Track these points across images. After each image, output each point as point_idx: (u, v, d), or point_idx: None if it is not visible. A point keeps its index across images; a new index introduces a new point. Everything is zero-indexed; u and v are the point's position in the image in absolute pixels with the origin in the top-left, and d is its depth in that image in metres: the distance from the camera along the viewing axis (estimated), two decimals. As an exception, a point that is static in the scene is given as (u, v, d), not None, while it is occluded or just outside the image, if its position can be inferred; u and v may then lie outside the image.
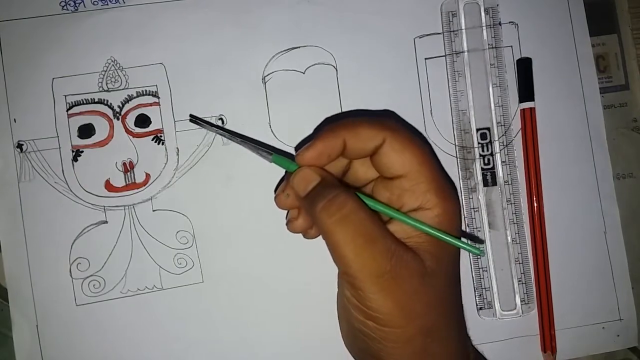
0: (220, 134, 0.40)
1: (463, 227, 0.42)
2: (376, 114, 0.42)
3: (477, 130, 0.42)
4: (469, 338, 0.39)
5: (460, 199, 0.42)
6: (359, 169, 0.35)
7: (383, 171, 0.33)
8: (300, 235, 0.36)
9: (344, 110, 0.42)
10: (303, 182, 0.33)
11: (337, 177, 0.35)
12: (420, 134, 0.42)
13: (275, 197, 0.35)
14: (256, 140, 0.41)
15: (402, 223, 0.32)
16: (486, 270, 0.42)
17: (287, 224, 0.36)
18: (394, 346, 0.31)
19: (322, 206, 0.31)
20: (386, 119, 0.33)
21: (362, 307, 0.31)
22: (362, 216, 0.30)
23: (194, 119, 0.40)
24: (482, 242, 0.42)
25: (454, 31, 0.42)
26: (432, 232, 0.32)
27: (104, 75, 0.40)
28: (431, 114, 0.42)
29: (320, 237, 0.33)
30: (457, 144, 0.42)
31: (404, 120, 0.42)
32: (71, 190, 0.40)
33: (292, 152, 0.41)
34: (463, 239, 0.31)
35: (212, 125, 0.40)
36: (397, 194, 0.33)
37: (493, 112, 0.42)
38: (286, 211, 0.37)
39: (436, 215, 0.32)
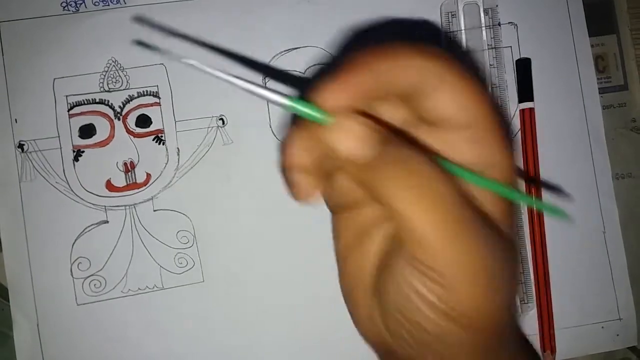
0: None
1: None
2: (408, 22, 0.36)
3: (477, 130, 0.42)
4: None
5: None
6: (380, 107, 0.25)
7: (437, 118, 0.23)
8: (301, 234, 0.36)
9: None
10: (353, 137, 0.22)
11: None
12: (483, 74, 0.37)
13: (284, 152, 0.24)
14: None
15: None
16: (486, 270, 0.42)
17: (291, 190, 0.25)
18: (465, 351, 0.23)
19: (395, 175, 0.21)
20: (434, 47, 0.24)
21: (444, 308, 0.22)
22: (450, 187, 0.22)
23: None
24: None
25: (453, 32, 0.42)
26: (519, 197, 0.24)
27: (105, 75, 0.41)
28: (431, 114, 0.42)
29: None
30: (456, 144, 0.42)
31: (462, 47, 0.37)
32: (72, 190, 0.40)
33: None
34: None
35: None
36: (450, 145, 0.24)
37: (492, 112, 0.42)
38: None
39: (502, 172, 0.24)
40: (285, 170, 0.24)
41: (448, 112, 0.23)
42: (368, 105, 0.24)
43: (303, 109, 0.22)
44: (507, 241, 0.23)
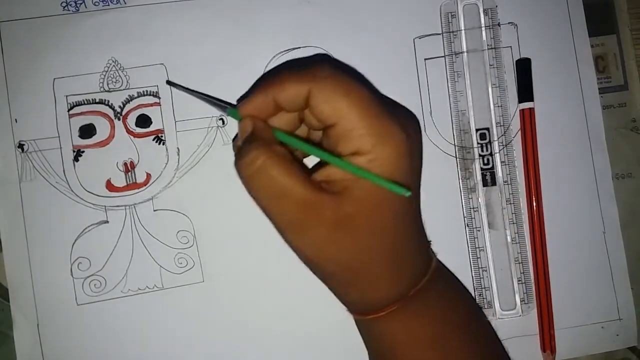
0: (196, 96, 0.40)
1: (462, 226, 0.42)
2: (309, 60, 0.41)
3: (477, 130, 0.42)
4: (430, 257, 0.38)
5: (460, 199, 0.42)
6: (309, 117, 0.34)
7: (319, 120, 0.32)
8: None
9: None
10: (241, 133, 0.33)
11: (291, 124, 0.35)
12: (360, 75, 0.41)
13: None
14: (214, 97, 0.40)
15: (334, 166, 0.32)
16: (486, 270, 0.42)
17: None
18: (325, 278, 0.35)
19: (239, 162, 0.32)
20: (315, 68, 0.32)
21: (290, 247, 0.33)
22: (273, 172, 0.31)
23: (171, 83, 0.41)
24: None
25: (453, 32, 0.42)
26: (343, 165, 0.31)
27: (105, 75, 0.40)
28: (430, 114, 0.42)
29: None
30: (456, 144, 0.42)
31: (339, 62, 0.41)
32: (72, 190, 0.40)
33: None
34: (390, 181, 0.30)
35: (187, 89, 0.40)
36: (335, 142, 0.32)
37: (492, 112, 0.42)
38: None
39: (369, 160, 0.30)
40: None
41: (324, 115, 0.31)
42: (274, 114, 0.34)
43: (233, 114, 0.34)
44: (333, 206, 0.31)
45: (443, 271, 0.40)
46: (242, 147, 0.32)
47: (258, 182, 0.31)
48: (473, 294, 0.42)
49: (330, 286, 0.35)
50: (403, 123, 0.32)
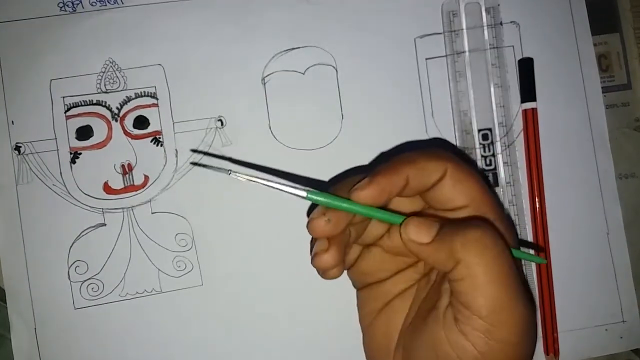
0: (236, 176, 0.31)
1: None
2: (428, 144, 0.41)
3: (479, 131, 0.42)
4: None
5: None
6: (400, 203, 0.32)
7: (442, 203, 0.31)
8: (300, 237, 0.36)
9: (343, 109, 0.41)
10: (424, 227, 0.29)
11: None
12: (473, 161, 0.42)
13: (310, 222, 0.29)
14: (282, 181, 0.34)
15: None
16: (488, 272, 0.41)
17: (313, 258, 0.30)
18: None
19: (474, 238, 0.28)
20: (442, 150, 0.31)
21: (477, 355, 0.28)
22: (511, 257, 0.28)
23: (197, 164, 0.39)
24: (541, 249, 0.41)
25: (454, 31, 0.42)
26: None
27: (102, 76, 0.40)
28: (432, 114, 0.42)
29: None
30: (458, 144, 0.42)
31: (454, 147, 0.42)
32: (69, 193, 0.40)
33: (290, 157, 0.41)
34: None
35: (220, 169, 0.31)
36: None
37: (494, 112, 0.42)
38: (312, 240, 0.32)
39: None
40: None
41: (458, 198, 0.30)
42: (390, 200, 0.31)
43: (317, 197, 0.29)
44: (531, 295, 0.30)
45: None
46: (461, 228, 0.28)
47: (499, 269, 0.27)
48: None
49: None
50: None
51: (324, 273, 0.31)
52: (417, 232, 0.29)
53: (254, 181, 0.29)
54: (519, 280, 0.28)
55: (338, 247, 0.30)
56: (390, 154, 0.41)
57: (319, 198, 0.29)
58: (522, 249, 0.32)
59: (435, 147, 0.33)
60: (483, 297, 0.27)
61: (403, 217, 0.30)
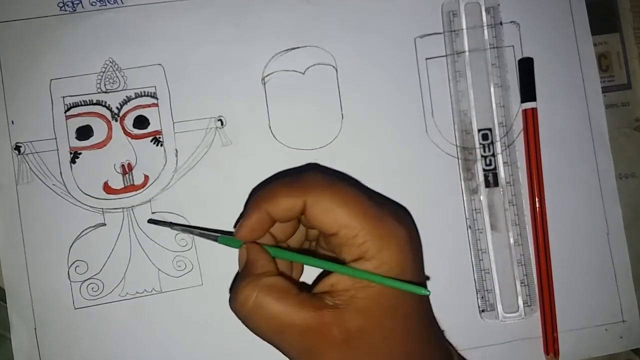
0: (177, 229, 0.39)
1: (465, 228, 0.42)
2: (298, 170, 0.41)
3: (479, 130, 0.42)
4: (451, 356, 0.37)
5: (462, 200, 0.42)
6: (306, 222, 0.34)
7: (318, 229, 0.32)
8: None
9: (343, 109, 0.41)
10: (240, 264, 0.34)
11: (290, 229, 0.35)
12: (348, 176, 0.41)
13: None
14: (201, 227, 0.40)
15: (339, 275, 0.31)
16: (488, 272, 0.41)
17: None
18: None
19: (235, 301, 0.31)
20: (307, 178, 0.32)
21: None
22: (268, 308, 0.30)
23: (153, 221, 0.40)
24: (426, 279, 0.40)
25: (454, 31, 0.42)
26: (367, 276, 0.30)
27: (102, 76, 0.40)
28: (432, 114, 0.42)
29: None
30: (458, 144, 0.42)
31: (327, 169, 0.41)
32: (69, 193, 0.40)
33: (290, 157, 0.41)
34: (405, 282, 0.30)
35: (167, 224, 0.39)
36: (338, 249, 0.32)
37: (494, 112, 0.42)
38: None
39: (376, 265, 0.30)
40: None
41: (325, 226, 0.31)
42: (270, 227, 0.33)
43: (226, 242, 0.35)
44: (340, 325, 0.30)
45: None
46: (235, 286, 0.32)
47: (256, 321, 0.31)
48: (475, 297, 0.41)
49: None
50: (401, 220, 0.32)
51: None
52: (239, 263, 0.34)
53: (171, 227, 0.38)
54: (291, 316, 0.30)
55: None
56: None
57: (228, 243, 0.35)
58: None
59: (308, 174, 0.33)
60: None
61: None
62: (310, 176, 0.33)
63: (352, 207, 0.31)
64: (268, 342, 0.32)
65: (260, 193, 0.33)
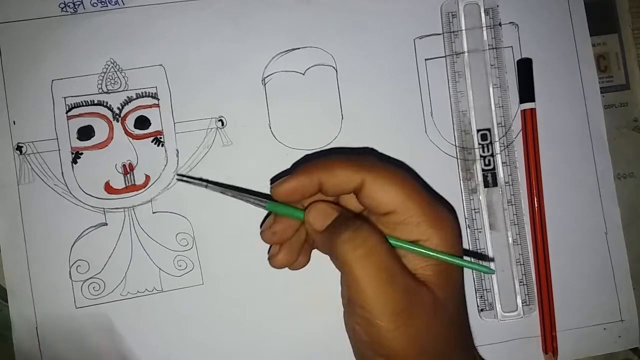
0: (212, 188, 0.37)
1: (464, 227, 0.42)
2: (356, 152, 0.41)
3: (478, 131, 0.42)
4: (475, 349, 0.38)
5: (461, 200, 0.42)
6: (349, 200, 0.35)
7: (371, 208, 0.33)
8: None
9: (343, 110, 0.42)
10: (321, 216, 0.33)
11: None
12: (404, 164, 0.42)
13: (261, 234, 0.36)
14: (248, 190, 0.40)
15: (412, 255, 0.32)
16: (487, 272, 0.42)
17: (269, 260, 0.36)
18: None
19: (347, 237, 0.31)
20: (364, 158, 0.34)
21: (374, 344, 0.31)
22: (385, 250, 0.31)
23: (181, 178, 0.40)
24: (490, 259, 0.42)
25: (454, 32, 0.42)
26: (446, 258, 0.32)
27: (103, 77, 0.40)
28: (431, 114, 0.42)
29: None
30: (457, 144, 0.42)
31: (382, 155, 0.42)
32: (71, 193, 0.40)
33: (291, 157, 0.41)
34: (471, 259, 0.32)
35: (202, 180, 0.38)
36: (391, 229, 0.32)
37: (493, 113, 0.42)
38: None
39: (435, 246, 0.32)
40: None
41: (382, 204, 0.32)
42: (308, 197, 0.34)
43: (275, 208, 0.35)
44: (430, 293, 0.31)
45: None
46: (341, 225, 0.32)
47: (369, 263, 0.30)
48: (474, 296, 0.42)
49: None
50: (450, 209, 0.36)
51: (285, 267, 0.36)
52: (314, 218, 0.33)
53: (225, 193, 0.36)
54: (398, 271, 0.31)
55: (289, 249, 0.36)
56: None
57: (275, 208, 0.35)
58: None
59: (366, 155, 0.35)
60: (357, 292, 0.30)
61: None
62: (368, 157, 0.34)
63: (408, 189, 0.32)
64: (363, 292, 0.30)
65: (316, 161, 0.33)
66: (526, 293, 0.42)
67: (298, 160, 0.41)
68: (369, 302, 0.30)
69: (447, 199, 0.42)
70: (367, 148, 0.42)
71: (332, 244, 0.31)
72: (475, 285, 0.42)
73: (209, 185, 0.36)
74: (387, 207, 0.32)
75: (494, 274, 0.32)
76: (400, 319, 0.30)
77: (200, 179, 0.39)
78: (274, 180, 0.40)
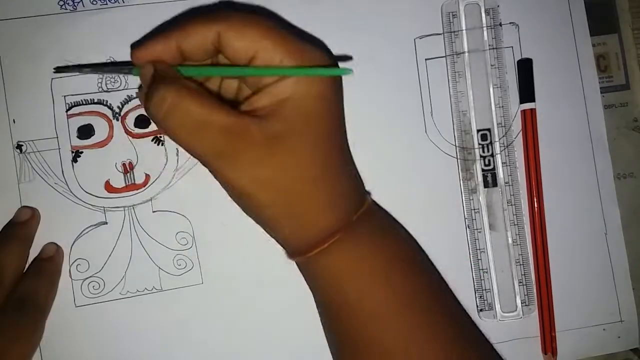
0: (86, 72, 0.39)
1: (463, 227, 0.42)
2: (209, 9, 0.40)
3: (478, 131, 0.42)
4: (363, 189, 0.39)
5: (461, 200, 0.42)
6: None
7: (235, 60, 0.32)
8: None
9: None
10: (143, 79, 0.33)
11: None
12: (264, 9, 0.41)
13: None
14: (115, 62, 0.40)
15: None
16: (487, 272, 0.42)
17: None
18: (260, 210, 0.33)
19: (151, 103, 0.31)
20: (219, 12, 0.33)
21: (225, 186, 0.33)
22: (186, 105, 0.30)
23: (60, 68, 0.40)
24: (349, 58, 0.41)
25: (454, 32, 0.42)
26: (277, 72, 0.31)
27: (103, 75, 0.40)
28: (431, 114, 0.42)
29: None
30: (457, 145, 0.42)
31: (241, 5, 0.41)
32: (71, 191, 0.40)
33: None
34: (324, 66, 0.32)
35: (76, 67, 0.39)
36: (258, 78, 0.32)
37: (493, 113, 0.42)
38: None
39: (295, 81, 0.31)
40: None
41: (242, 53, 0.31)
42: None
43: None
44: (260, 127, 0.31)
45: (379, 207, 0.39)
46: (148, 90, 0.31)
47: (173, 120, 0.31)
48: (474, 296, 0.42)
49: (267, 222, 0.34)
50: (316, 44, 0.34)
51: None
52: (142, 81, 0.33)
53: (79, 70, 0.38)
54: (209, 115, 0.30)
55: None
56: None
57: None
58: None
59: (220, 10, 0.36)
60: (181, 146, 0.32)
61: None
62: (223, 10, 0.34)
63: (263, 29, 0.31)
64: (185, 148, 0.32)
65: (172, 26, 0.33)
66: (525, 293, 0.42)
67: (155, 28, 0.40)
68: (192, 151, 0.32)
69: (447, 199, 0.42)
70: (222, 2, 0.40)
71: (147, 114, 0.32)
72: (474, 285, 0.42)
73: (84, 69, 0.38)
74: (247, 53, 0.31)
75: (350, 73, 0.31)
76: (222, 159, 0.31)
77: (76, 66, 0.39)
78: (134, 46, 0.39)
